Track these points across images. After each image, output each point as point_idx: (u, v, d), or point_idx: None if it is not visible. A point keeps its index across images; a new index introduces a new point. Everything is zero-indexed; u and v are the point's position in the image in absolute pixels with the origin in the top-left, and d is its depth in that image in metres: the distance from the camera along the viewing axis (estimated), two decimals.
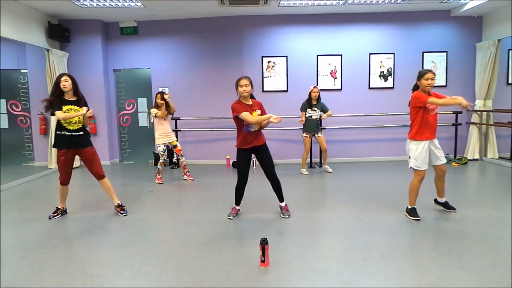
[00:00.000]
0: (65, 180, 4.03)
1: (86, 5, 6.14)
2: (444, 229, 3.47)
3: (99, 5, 6.17)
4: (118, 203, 4.20)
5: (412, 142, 3.79)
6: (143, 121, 7.68)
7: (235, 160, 6.92)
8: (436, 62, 7.16)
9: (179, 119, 7.21)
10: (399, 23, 7.09)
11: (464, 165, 6.73)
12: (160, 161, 5.70)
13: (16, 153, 7.50)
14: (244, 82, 3.69)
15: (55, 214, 4.08)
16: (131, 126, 7.68)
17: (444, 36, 7.14)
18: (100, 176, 4.12)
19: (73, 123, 3.88)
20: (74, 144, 3.92)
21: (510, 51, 7.09)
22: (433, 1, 6.39)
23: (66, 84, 3.80)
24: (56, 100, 3.82)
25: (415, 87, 3.87)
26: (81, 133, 3.95)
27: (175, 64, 7.36)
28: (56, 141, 3.93)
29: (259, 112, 3.76)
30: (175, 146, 5.82)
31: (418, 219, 3.75)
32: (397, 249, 3.04)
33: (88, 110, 3.94)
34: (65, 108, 3.82)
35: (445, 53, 7.15)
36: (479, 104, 7.03)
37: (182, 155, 5.84)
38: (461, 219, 3.74)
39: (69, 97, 3.90)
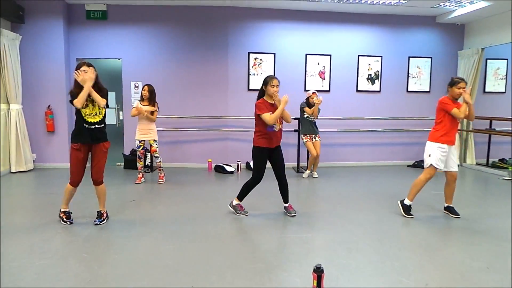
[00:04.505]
0: (78, 182, 3.53)
1: None
2: (453, 232, 3.24)
3: None
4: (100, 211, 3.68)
5: (434, 144, 3.83)
6: (110, 119, 6.75)
7: (219, 164, 6.38)
8: (421, 68, 7.16)
9: None
10: (387, 26, 6.98)
11: None
12: (137, 158, 5.43)
13: None
14: (276, 82, 3.73)
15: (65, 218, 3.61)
16: None
17: (429, 42, 7.15)
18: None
19: (92, 115, 3.43)
20: (92, 138, 3.46)
21: (488, 61, 7.30)
22: (423, 7, 6.34)
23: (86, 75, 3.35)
24: (76, 90, 3.37)
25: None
26: (103, 125, 3.56)
27: (150, 55, 6.57)
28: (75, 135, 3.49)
29: None
30: (151, 145, 5.45)
31: (412, 217, 3.91)
32: (430, 257, 2.72)
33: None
34: (89, 99, 3.42)
35: (429, 59, 7.17)
36: None
37: (156, 157, 5.45)
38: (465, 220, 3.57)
39: None
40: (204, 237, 3.30)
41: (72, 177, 3.48)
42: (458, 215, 3.94)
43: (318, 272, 2.26)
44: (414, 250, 3.04)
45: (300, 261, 2.80)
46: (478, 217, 3.97)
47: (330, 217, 3.92)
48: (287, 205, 3.99)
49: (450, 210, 4.02)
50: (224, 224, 3.67)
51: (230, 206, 4.02)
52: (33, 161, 6.33)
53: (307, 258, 2.86)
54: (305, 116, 5.87)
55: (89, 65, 3.40)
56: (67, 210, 3.64)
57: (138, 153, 5.39)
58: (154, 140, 5.39)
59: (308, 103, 5.86)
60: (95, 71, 3.42)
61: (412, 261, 2.83)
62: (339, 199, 4.68)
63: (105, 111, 3.55)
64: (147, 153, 6.08)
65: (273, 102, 3.77)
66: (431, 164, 3.81)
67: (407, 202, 3.95)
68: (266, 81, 3.74)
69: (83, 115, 3.41)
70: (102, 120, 3.53)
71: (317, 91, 6.76)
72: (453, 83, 3.78)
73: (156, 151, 5.40)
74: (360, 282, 2.50)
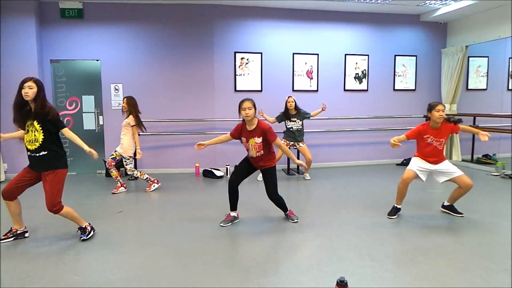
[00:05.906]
0: (6, 192, 3.07)
1: None
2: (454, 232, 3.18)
3: None
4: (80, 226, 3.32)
5: (415, 158, 3.91)
6: (89, 123, 6.39)
7: (207, 169, 6.12)
8: (406, 66, 7.18)
9: None
10: (373, 24, 6.94)
11: None
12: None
13: None
14: (246, 104, 3.41)
15: (4, 237, 3.22)
16: (73, 129, 6.20)
17: (414, 41, 7.18)
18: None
19: (32, 142, 2.99)
20: (36, 167, 3.06)
21: (470, 58, 7.40)
22: (408, 5, 6.34)
23: (29, 92, 2.92)
24: (18, 112, 2.99)
25: (428, 118, 3.87)
26: (43, 153, 3.01)
27: (131, 56, 6.23)
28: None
29: (257, 140, 3.47)
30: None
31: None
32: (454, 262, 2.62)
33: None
34: (28, 122, 3.01)
35: (414, 57, 7.19)
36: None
37: (130, 174, 5.24)
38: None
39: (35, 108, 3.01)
40: (207, 250, 3.06)
41: (7, 185, 3.07)
42: (462, 214, 3.90)
43: (342, 285, 2.08)
44: (428, 254, 2.93)
45: (314, 272, 2.62)
46: (480, 215, 3.93)
47: (333, 221, 3.76)
48: (287, 212, 3.84)
49: (451, 209, 3.98)
50: (224, 234, 3.44)
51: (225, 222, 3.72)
52: (5, 171, 5.86)
53: (320, 267, 2.69)
54: (288, 126, 5.72)
55: (36, 81, 2.97)
56: (16, 229, 3.27)
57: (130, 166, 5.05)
58: (123, 157, 4.96)
59: (287, 110, 5.67)
60: (39, 87, 2.97)
61: (429, 266, 2.71)
62: (337, 202, 4.54)
63: (43, 137, 2.97)
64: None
65: (253, 128, 3.49)
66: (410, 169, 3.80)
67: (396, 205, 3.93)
68: (239, 105, 3.48)
69: (24, 141, 3.04)
70: (42, 147, 2.98)
71: (305, 91, 6.71)
72: (430, 107, 3.69)
73: (126, 168, 5.03)
74: None
